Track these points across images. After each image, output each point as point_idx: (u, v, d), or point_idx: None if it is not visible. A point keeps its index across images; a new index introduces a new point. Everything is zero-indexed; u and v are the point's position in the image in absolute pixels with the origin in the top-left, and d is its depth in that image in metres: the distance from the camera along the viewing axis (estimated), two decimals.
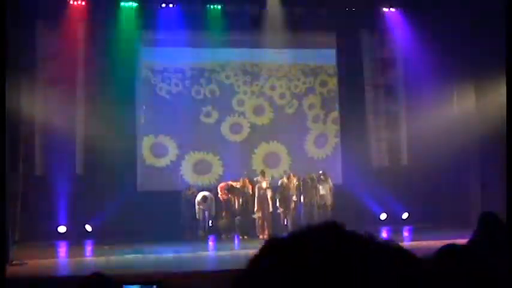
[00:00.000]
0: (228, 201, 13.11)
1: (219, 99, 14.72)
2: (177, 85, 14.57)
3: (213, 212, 13.03)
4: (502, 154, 9.95)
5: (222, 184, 13.46)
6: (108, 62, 13.39)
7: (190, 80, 14.64)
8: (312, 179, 13.34)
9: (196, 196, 12.97)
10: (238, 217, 12.93)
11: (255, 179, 13.27)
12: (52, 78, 13.57)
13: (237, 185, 13.12)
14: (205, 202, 12.81)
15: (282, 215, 12.88)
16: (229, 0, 14.28)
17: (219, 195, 13.20)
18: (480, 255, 1.95)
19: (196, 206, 12.86)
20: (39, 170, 13.26)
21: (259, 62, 14.98)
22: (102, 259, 10.23)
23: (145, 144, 14.31)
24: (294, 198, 13.09)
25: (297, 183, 13.27)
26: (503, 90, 9.96)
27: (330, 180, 13.43)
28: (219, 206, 13.17)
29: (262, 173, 13.26)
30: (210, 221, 13.15)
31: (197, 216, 12.87)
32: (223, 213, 13.15)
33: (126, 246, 11.36)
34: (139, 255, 10.40)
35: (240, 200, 12.96)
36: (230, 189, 13.12)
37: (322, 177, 13.38)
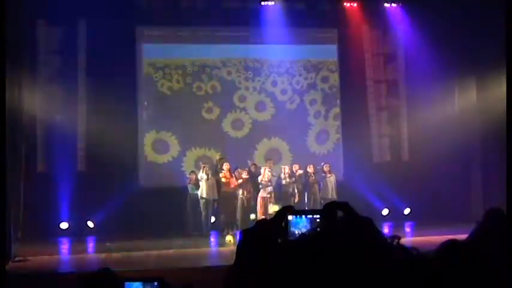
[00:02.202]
0: (231, 195, 13.03)
1: (220, 95, 14.72)
2: (178, 81, 14.56)
3: (216, 195, 12.91)
4: (503, 149, 9.95)
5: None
6: (109, 58, 13.37)
7: (191, 76, 14.63)
8: (314, 173, 13.42)
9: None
10: (238, 218, 12.90)
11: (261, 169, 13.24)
12: (54, 74, 13.58)
13: (244, 174, 13.08)
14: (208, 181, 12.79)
15: None
16: None
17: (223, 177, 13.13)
18: (481, 250, 1.95)
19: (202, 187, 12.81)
20: (41, 166, 13.28)
21: (261, 58, 14.96)
22: (104, 255, 10.25)
23: (147, 140, 14.32)
24: (296, 191, 13.12)
25: (298, 173, 13.36)
26: (504, 85, 9.95)
27: (333, 175, 13.51)
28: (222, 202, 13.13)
29: (269, 164, 13.25)
30: (213, 217, 13.15)
31: (201, 210, 12.83)
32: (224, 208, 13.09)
33: (128, 243, 11.38)
34: (141, 251, 10.42)
35: (245, 193, 12.92)
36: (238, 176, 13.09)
37: (325, 168, 13.48)
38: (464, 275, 1.64)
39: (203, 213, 12.83)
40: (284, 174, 13.30)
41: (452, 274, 1.58)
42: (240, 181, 12.94)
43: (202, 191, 12.81)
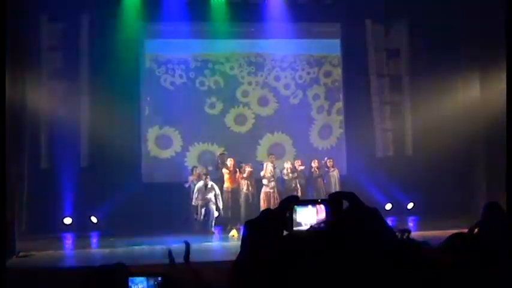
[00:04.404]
0: (235, 189, 13.00)
1: (223, 90, 14.71)
2: (181, 76, 14.56)
3: (220, 203, 12.64)
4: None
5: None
6: (112, 54, 13.38)
7: (194, 71, 14.63)
8: (318, 168, 13.45)
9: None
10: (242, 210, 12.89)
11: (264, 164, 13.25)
12: (56, 70, 13.60)
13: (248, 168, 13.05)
14: (206, 191, 12.54)
15: None
16: None
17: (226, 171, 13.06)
18: (486, 244, 1.94)
19: (195, 195, 12.60)
20: (44, 162, 13.30)
21: (264, 53, 14.94)
22: (107, 250, 10.28)
23: (150, 135, 14.33)
24: (299, 186, 13.13)
25: (301, 167, 13.38)
26: None
27: (336, 170, 13.56)
28: (226, 197, 13.08)
29: (271, 159, 13.26)
30: (217, 213, 13.14)
31: (197, 211, 12.69)
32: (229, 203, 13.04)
33: (131, 238, 11.40)
34: (144, 247, 10.45)
35: (249, 188, 12.91)
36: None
37: (328, 163, 13.52)
38: (472, 268, 1.63)
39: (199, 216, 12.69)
40: (286, 169, 13.31)
41: (461, 267, 1.57)
42: (245, 175, 12.92)
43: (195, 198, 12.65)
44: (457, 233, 1.92)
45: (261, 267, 1.00)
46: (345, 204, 1.32)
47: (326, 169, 13.58)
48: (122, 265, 3.07)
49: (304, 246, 0.96)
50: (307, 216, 1.40)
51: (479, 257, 1.73)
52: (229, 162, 13.07)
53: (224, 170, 13.10)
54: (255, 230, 1.27)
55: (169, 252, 3.86)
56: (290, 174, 13.23)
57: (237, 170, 13.08)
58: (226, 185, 13.04)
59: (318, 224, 1.08)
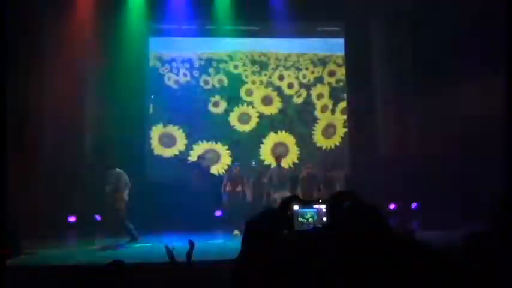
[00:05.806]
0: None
1: (227, 89, 14.75)
2: (185, 75, 14.60)
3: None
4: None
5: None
6: (116, 52, 13.40)
7: (198, 69, 14.67)
8: (321, 169, 13.47)
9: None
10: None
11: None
12: (60, 68, 13.60)
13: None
14: None
15: None
16: None
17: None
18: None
19: None
20: (48, 160, 13.32)
21: (268, 52, 14.97)
22: (110, 248, 10.29)
23: (154, 134, 14.36)
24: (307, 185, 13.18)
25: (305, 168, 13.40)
26: None
27: (340, 170, 13.56)
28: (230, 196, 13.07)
29: (277, 161, 13.23)
30: (219, 211, 13.15)
31: None
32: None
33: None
34: (148, 245, 10.46)
35: (253, 187, 12.92)
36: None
37: (331, 164, 13.55)
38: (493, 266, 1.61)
39: None
40: (290, 169, 13.35)
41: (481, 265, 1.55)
42: (250, 176, 12.92)
43: None
44: (474, 232, 1.87)
45: (261, 266, 1.00)
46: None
47: (329, 169, 13.59)
48: (121, 262, 3.08)
49: (305, 247, 0.95)
50: (308, 216, 1.39)
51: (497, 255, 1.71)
52: (236, 170, 12.94)
53: (229, 171, 13.14)
54: (255, 230, 1.27)
55: (167, 249, 3.85)
56: (294, 174, 13.24)
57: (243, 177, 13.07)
58: (230, 188, 13.05)
59: (319, 224, 1.08)
